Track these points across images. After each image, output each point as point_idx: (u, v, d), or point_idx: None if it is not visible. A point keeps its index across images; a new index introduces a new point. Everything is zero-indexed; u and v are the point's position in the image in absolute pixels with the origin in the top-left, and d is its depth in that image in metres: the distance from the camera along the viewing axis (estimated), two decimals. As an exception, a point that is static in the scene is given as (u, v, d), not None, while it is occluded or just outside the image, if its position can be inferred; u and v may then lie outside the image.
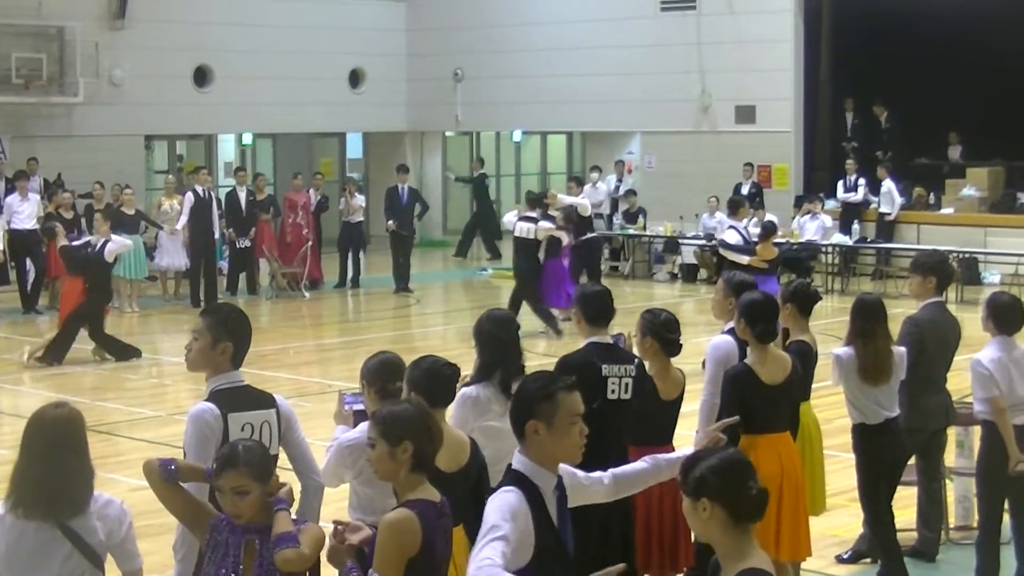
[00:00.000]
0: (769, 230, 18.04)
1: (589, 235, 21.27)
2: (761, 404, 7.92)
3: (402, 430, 5.21)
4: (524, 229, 19.82)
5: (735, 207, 19.60)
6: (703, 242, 26.29)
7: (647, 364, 7.88)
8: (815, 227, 25.31)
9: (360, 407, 6.86)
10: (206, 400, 6.13)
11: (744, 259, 17.57)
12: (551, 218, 20.02)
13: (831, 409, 11.83)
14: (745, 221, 19.40)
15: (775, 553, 7.95)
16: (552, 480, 5.10)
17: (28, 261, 22.39)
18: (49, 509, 5.36)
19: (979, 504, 8.99)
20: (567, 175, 35.92)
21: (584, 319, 7.66)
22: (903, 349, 9.00)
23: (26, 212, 22.16)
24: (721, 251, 18.65)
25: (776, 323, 8.12)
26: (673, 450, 7.97)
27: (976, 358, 8.65)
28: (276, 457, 6.27)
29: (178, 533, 6.01)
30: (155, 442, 13.51)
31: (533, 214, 20.06)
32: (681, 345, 7.96)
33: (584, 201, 20.86)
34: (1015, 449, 8.55)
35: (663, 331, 7.87)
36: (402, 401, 5.77)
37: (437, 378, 6.30)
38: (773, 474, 7.88)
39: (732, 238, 18.24)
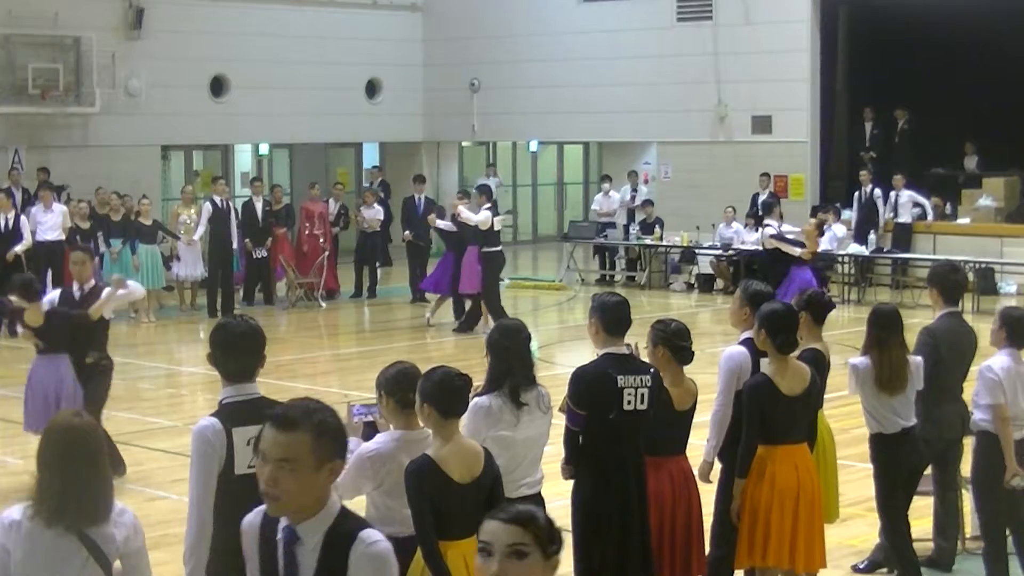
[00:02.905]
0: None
1: (488, 249, 20.94)
2: (780, 415, 7.90)
3: None
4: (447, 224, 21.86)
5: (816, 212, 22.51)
6: (719, 252, 26.28)
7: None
8: (828, 237, 25.24)
9: (370, 419, 6.83)
10: (213, 414, 6.05)
11: (796, 251, 20.14)
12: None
13: (848, 419, 11.82)
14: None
15: (790, 563, 7.95)
16: (275, 522, 4.35)
17: (49, 273, 22.34)
18: (72, 517, 5.35)
19: (978, 516, 8.98)
20: (583, 185, 36.11)
21: (603, 329, 7.62)
22: (919, 359, 8.97)
23: (49, 223, 22.15)
24: (775, 241, 20.60)
25: (796, 334, 8.10)
26: (686, 460, 7.97)
27: (987, 364, 8.67)
28: None
29: (187, 543, 5.95)
30: (171, 452, 13.52)
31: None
32: (693, 353, 7.93)
33: (479, 218, 20.77)
34: (1013, 461, 8.54)
35: (674, 340, 7.85)
36: None
37: (449, 389, 6.28)
38: (789, 485, 7.88)
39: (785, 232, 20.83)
